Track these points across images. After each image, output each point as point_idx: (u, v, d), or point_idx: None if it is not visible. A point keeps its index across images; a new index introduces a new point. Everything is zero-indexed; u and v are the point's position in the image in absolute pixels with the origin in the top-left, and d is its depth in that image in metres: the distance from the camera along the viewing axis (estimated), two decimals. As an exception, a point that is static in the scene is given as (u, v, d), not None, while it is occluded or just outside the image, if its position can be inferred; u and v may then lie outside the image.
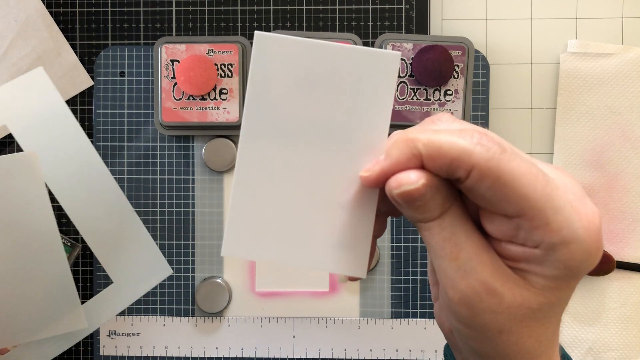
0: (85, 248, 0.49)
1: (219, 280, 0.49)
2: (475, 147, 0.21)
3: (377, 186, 0.24)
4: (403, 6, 0.49)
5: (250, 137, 0.24)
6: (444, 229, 0.23)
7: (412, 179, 0.22)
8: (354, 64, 0.24)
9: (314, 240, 0.25)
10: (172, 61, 0.46)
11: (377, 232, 0.26)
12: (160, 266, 0.47)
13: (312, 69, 0.24)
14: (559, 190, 0.21)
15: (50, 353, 0.47)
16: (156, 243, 0.50)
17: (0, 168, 0.41)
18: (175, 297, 0.50)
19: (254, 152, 0.24)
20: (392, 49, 0.46)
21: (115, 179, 0.49)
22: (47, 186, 0.43)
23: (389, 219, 0.46)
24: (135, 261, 0.47)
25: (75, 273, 0.50)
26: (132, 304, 0.49)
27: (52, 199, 0.42)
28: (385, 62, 0.24)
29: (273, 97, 0.24)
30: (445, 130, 0.22)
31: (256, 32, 0.24)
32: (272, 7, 0.49)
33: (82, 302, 0.45)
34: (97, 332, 0.50)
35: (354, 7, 0.49)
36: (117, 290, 0.47)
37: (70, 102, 0.50)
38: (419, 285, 0.49)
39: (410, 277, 0.49)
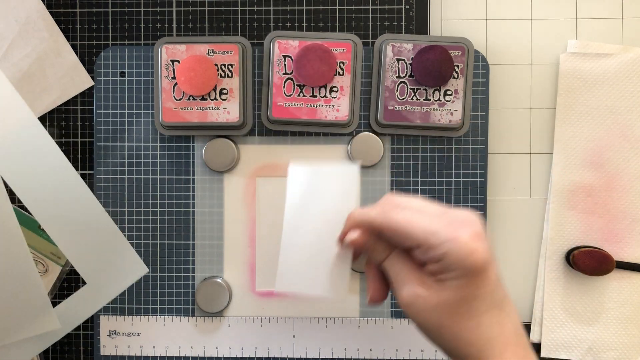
0: (86, 248, 0.49)
1: (219, 280, 0.49)
2: (377, 213, 0.35)
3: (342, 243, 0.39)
4: (403, 6, 0.49)
5: (289, 221, 0.42)
6: (391, 264, 0.36)
7: (351, 234, 0.37)
8: (337, 175, 0.41)
9: (321, 278, 0.41)
10: (173, 61, 0.47)
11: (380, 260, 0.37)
12: (135, 265, 0.47)
13: (316, 180, 0.42)
14: (434, 223, 0.33)
15: (28, 354, 0.47)
16: (156, 243, 0.50)
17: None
18: (176, 297, 0.50)
19: (291, 229, 0.42)
20: (392, 50, 0.46)
21: (115, 179, 0.49)
22: (7, 186, 0.43)
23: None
24: (108, 261, 0.47)
25: (75, 272, 0.50)
26: (134, 304, 0.50)
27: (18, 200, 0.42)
28: (350, 172, 0.41)
29: (299, 199, 0.42)
30: (371, 208, 0.36)
31: (290, 166, 0.42)
32: (272, 8, 0.49)
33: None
34: (97, 331, 0.50)
35: (354, 7, 0.49)
36: (92, 291, 0.47)
37: (71, 102, 0.50)
38: (418, 285, 0.49)
39: (410, 277, 0.49)
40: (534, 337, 0.49)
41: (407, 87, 0.47)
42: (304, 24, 0.49)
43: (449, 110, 0.47)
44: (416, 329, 0.35)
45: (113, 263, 0.48)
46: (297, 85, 0.47)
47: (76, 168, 0.50)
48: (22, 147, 0.45)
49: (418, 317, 0.34)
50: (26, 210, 0.48)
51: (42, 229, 0.48)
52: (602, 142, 0.49)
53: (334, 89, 0.47)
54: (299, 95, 0.47)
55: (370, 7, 0.49)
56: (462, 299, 0.32)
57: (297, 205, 0.42)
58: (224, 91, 0.47)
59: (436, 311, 0.33)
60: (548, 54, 0.49)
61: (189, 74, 0.46)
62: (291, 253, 0.42)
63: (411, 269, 0.34)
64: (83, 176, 0.50)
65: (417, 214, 0.34)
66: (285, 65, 0.47)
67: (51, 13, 0.49)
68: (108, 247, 0.47)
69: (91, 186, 0.50)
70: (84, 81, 0.50)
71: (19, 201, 0.48)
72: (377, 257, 0.37)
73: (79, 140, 0.50)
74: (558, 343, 0.49)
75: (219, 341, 0.50)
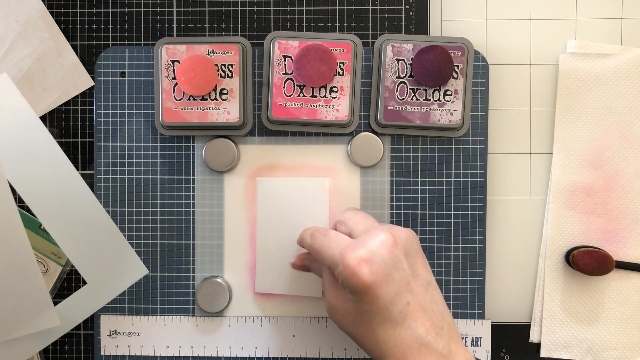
0: (86, 248, 0.49)
1: (219, 280, 0.49)
2: (308, 235, 0.42)
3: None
4: (403, 7, 0.49)
5: (262, 230, 0.48)
6: (324, 279, 0.41)
7: (293, 258, 0.46)
8: (308, 187, 0.48)
9: (296, 279, 0.49)
10: (173, 61, 0.47)
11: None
12: (135, 266, 0.48)
13: (285, 191, 0.48)
14: (337, 248, 0.39)
15: (28, 351, 0.47)
16: (156, 243, 0.50)
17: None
18: (176, 296, 0.50)
19: (264, 236, 0.48)
20: (392, 50, 0.47)
21: (115, 178, 0.50)
22: (13, 188, 0.43)
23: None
24: (109, 262, 0.47)
25: (76, 272, 0.50)
26: (134, 304, 0.50)
27: (20, 199, 0.42)
28: (321, 184, 0.48)
29: (270, 209, 0.48)
30: (311, 229, 0.43)
31: (258, 180, 0.49)
32: (272, 8, 0.49)
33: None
34: (97, 331, 0.50)
35: (353, 7, 0.49)
36: (92, 291, 0.48)
37: (71, 103, 0.50)
38: (418, 285, 0.49)
39: (410, 277, 0.49)
40: (534, 337, 0.50)
41: (407, 87, 0.47)
42: (304, 24, 0.49)
43: (449, 110, 0.47)
44: None
45: (113, 264, 0.48)
46: (297, 85, 0.47)
47: (76, 168, 0.50)
48: (25, 149, 0.46)
49: (336, 323, 0.40)
50: (27, 210, 0.48)
51: (43, 229, 0.48)
52: (601, 142, 0.49)
53: (334, 89, 0.47)
54: (299, 96, 0.47)
55: (370, 7, 0.49)
56: (357, 312, 0.38)
57: (268, 214, 0.48)
58: (224, 91, 0.47)
59: (345, 319, 0.39)
60: (548, 54, 0.49)
61: (189, 74, 0.46)
62: (267, 258, 0.48)
63: (334, 283, 0.40)
64: (83, 176, 0.50)
65: (330, 240, 0.40)
66: (285, 65, 0.47)
67: (51, 13, 0.49)
68: (109, 248, 0.48)
69: (91, 186, 0.50)
70: (84, 81, 0.50)
71: (20, 201, 0.48)
72: (318, 273, 0.44)
73: (79, 140, 0.50)
74: (558, 343, 0.49)
75: (219, 341, 0.50)
